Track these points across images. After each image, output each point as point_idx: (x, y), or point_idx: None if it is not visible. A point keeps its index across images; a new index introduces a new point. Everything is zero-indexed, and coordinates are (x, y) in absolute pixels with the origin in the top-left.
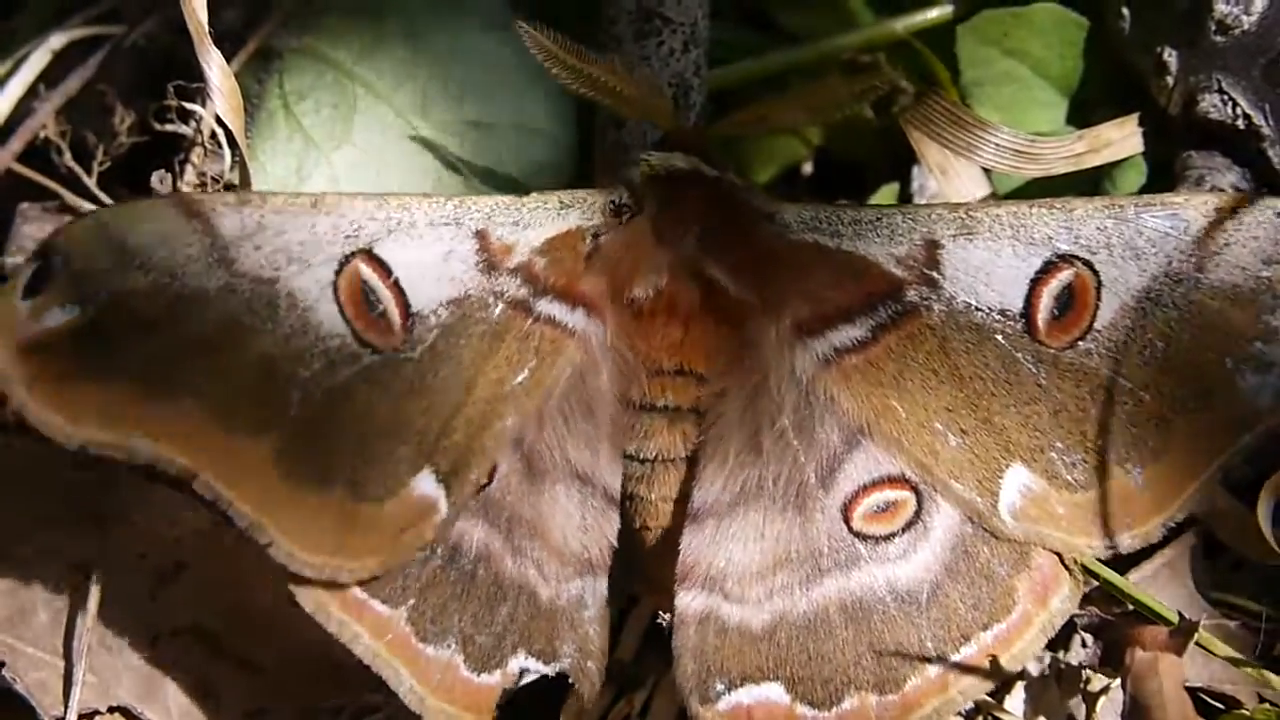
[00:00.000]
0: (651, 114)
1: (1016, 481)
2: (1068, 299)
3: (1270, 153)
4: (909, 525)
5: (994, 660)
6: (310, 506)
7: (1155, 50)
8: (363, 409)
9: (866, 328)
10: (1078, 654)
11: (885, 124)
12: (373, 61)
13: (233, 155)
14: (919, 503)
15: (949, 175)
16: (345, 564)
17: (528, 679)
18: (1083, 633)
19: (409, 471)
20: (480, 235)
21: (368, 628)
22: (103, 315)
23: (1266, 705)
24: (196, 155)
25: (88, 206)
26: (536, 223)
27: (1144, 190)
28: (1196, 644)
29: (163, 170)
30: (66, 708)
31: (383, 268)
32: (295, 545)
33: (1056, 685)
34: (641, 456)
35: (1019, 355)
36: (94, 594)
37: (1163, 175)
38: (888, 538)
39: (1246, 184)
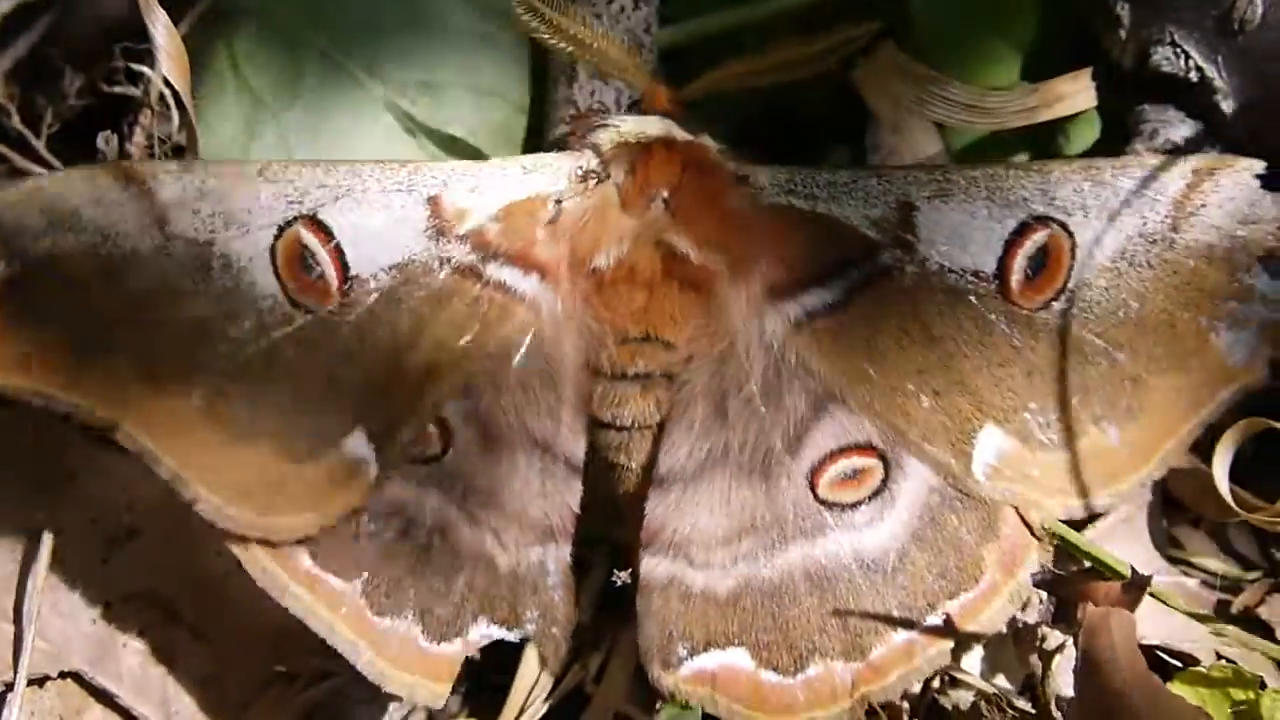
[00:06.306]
0: (627, 73)
1: (990, 443)
2: (1042, 260)
3: (1223, 105)
4: (876, 493)
5: (960, 629)
6: (237, 462)
7: (1108, 3)
8: (294, 368)
9: (839, 290)
10: (1035, 611)
11: (839, 80)
12: (322, 22)
13: (180, 116)
14: (886, 470)
15: (902, 131)
16: (276, 521)
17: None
18: (1037, 590)
19: (340, 431)
20: (433, 201)
21: (322, 601)
22: (31, 272)
23: (1223, 663)
24: (145, 117)
25: (37, 170)
26: (495, 188)
27: (1097, 144)
28: (1153, 597)
29: (109, 131)
30: (15, 674)
31: (324, 232)
32: (221, 500)
33: (1014, 644)
34: (618, 424)
35: (992, 316)
36: (44, 559)
37: (1116, 129)
38: (854, 505)
39: (1200, 136)
